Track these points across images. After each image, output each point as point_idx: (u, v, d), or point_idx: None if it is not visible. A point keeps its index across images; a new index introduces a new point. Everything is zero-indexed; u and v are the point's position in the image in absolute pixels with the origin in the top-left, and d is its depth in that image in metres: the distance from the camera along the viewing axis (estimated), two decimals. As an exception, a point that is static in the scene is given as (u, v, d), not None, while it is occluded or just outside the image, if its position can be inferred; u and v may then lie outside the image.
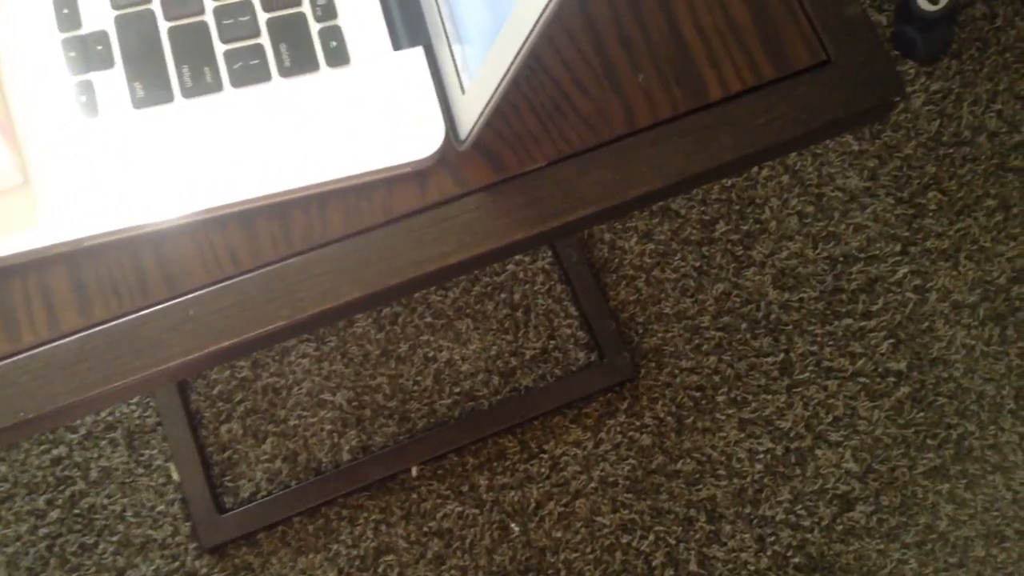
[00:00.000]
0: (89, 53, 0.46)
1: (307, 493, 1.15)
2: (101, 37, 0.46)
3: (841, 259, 1.33)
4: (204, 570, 1.14)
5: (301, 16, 0.47)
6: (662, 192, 0.50)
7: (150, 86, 0.46)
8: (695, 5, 0.52)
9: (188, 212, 0.45)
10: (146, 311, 0.45)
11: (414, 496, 1.18)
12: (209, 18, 0.47)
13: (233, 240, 0.47)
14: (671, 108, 0.50)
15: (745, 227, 1.33)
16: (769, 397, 1.27)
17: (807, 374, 1.29)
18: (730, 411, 1.26)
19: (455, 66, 0.46)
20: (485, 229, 0.48)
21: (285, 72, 0.47)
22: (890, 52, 0.52)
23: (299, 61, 0.47)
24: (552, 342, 1.25)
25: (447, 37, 0.47)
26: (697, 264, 1.30)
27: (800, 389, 1.28)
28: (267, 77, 0.47)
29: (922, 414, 1.28)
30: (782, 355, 1.29)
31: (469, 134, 0.46)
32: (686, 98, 0.50)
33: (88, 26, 0.46)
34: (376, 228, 0.48)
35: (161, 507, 1.15)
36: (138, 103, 0.46)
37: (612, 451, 1.23)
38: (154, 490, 1.16)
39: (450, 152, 0.48)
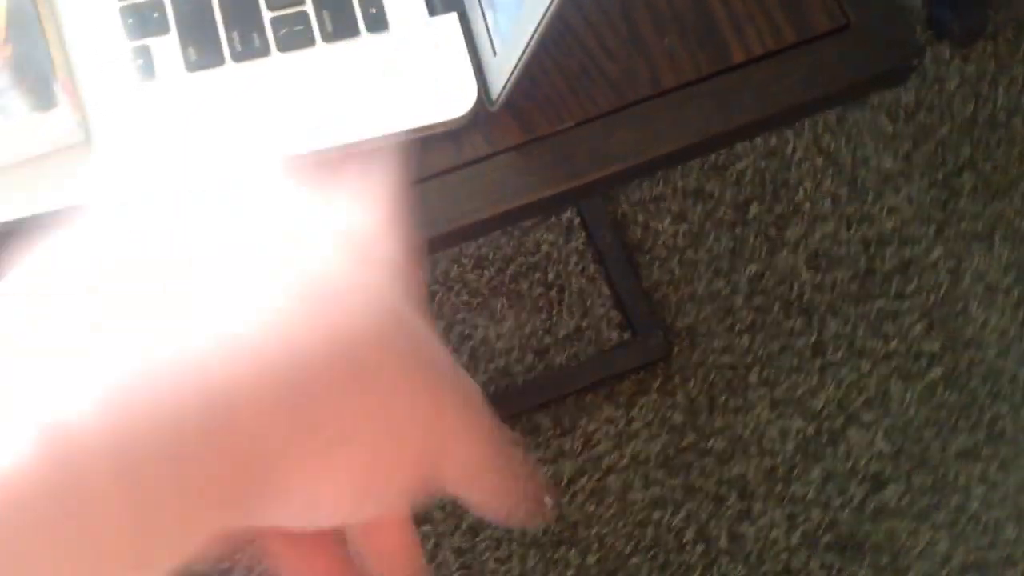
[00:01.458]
0: (146, 20, 0.49)
1: (346, 465, 1.19)
2: (157, 5, 0.49)
3: (875, 240, 1.34)
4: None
5: (343, -15, 0.50)
6: (685, 151, 0.52)
7: (203, 51, 0.49)
8: (719, -27, 0.54)
9: (235, 168, 0.48)
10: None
11: (450, 469, 1.21)
12: (257, -13, 0.50)
13: (278, 195, 0.49)
14: (695, 71, 0.52)
15: (779, 208, 1.34)
16: (801, 377, 1.29)
17: (840, 355, 1.30)
18: (762, 391, 1.28)
19: (487, 30, 0.49)
20: (515, 186, 0.51)
21: (328, 37, 0.50)
22: (908, 17, 0.54)
23: (341, 27, 0.50)
24: (585, 321, 1.28)
25: (480, 2, 0.49)
26: (730, 245, 1.32)
27: (832, 369, 1.29)
28: (311, 42, 0.50)
29: (955, 396, 1.28)
30: (815, 336, 1.30)
31: (499, 95, 0.49)
32: (709, 61, 0.52)
33: (145, -5, 0.49)
34: (412, 185, 0.50)
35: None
36: (191, 67, 0.49)
37: (644, 428, 1.25)
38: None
39: (482, 113, 0.51)
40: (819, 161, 1.36)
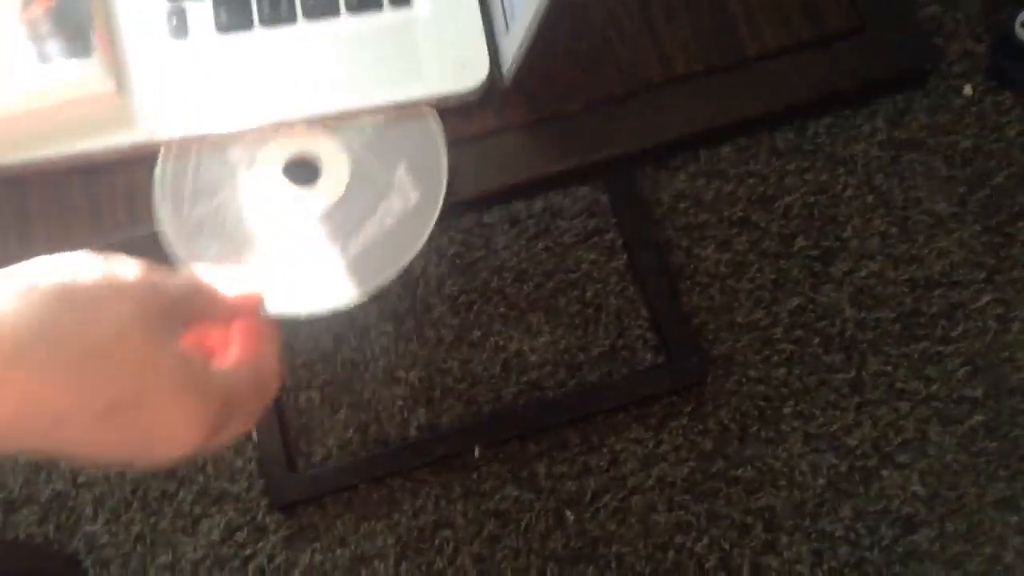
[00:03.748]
0: (184, -17, 0.52)
1: (374, 463, 1.20)
2: (195, -30, 0.52)
3: (922, 282, 1.32)
4: (272, 526, 1.20)
5: (371, -39, 0.52)
6: (691, 139, 0.53)
7: (233, 14, 0.52)
8: (737, -29, 0.55)
9: (257, 125, 0.51)
10: (212, 211, 0.51)
11: (475, 476, 1.22)
12: (290, -41, 0.52)
13: (294, 156, 0.52)
14: (706, 62, 0.53)
15: (825, 243, 1.33)
16: (837, 413, 1.27)
17: (879, 394, 1.28)
18: (796, 424, 1.26)
19: (502, 8, 0.51)
20: (522, 162, 0.52)
21: (352, 8, 0.52)
22: (922, 26, 0.54)
23: (365, -1, 0.52)
24: (621, 341, 1.28)
25: (498, -17, 0.51)
26: (773, 276, 1.31)
27: (870, 408, 1.27)
28: (336, 12, 0.52)
29: (995, 444, 1.25)
30: (854, 373, 1.28)
31: (509, 71, 0.50)
32: (722, 54, 0.53)
33: (186, -39, 0.53)
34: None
35: (239, 463, 1.22)
36: (222, 28, 0.52)
37: (672, 452, 1.24)
38: (234, 447, 1.23)
39: (495, 91, 0.53)
40: (870, 199, 1.35)
